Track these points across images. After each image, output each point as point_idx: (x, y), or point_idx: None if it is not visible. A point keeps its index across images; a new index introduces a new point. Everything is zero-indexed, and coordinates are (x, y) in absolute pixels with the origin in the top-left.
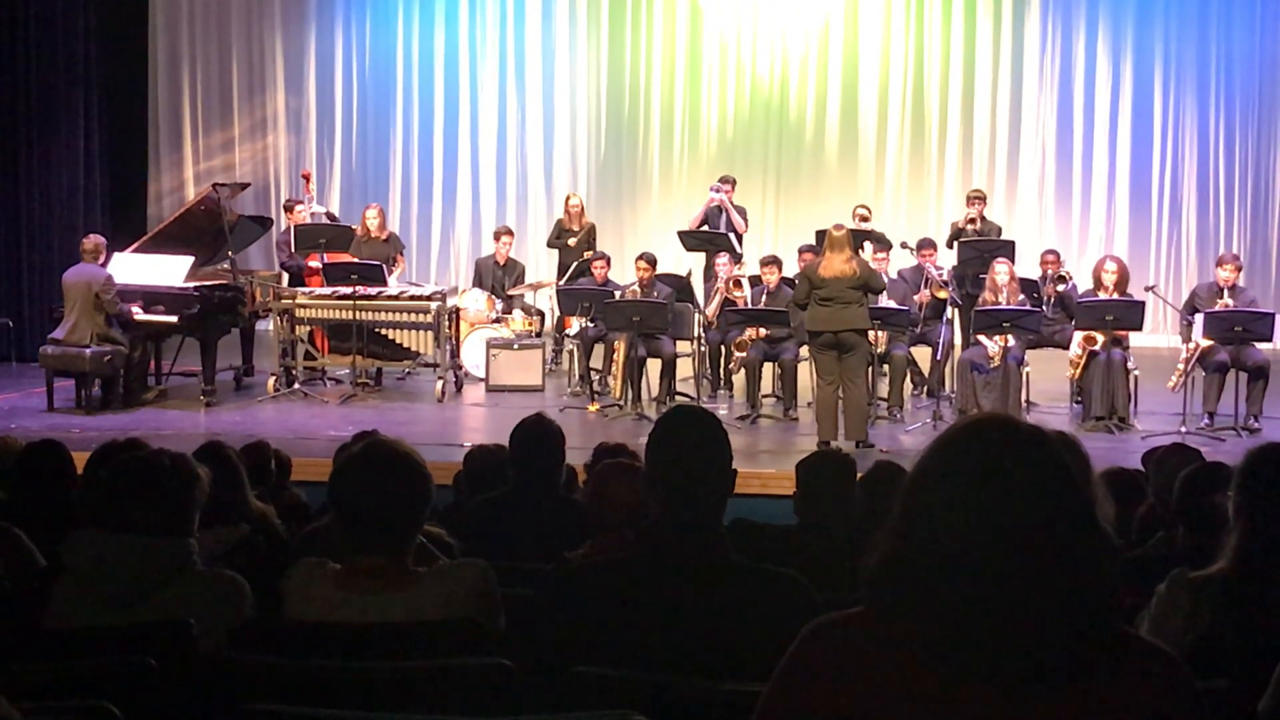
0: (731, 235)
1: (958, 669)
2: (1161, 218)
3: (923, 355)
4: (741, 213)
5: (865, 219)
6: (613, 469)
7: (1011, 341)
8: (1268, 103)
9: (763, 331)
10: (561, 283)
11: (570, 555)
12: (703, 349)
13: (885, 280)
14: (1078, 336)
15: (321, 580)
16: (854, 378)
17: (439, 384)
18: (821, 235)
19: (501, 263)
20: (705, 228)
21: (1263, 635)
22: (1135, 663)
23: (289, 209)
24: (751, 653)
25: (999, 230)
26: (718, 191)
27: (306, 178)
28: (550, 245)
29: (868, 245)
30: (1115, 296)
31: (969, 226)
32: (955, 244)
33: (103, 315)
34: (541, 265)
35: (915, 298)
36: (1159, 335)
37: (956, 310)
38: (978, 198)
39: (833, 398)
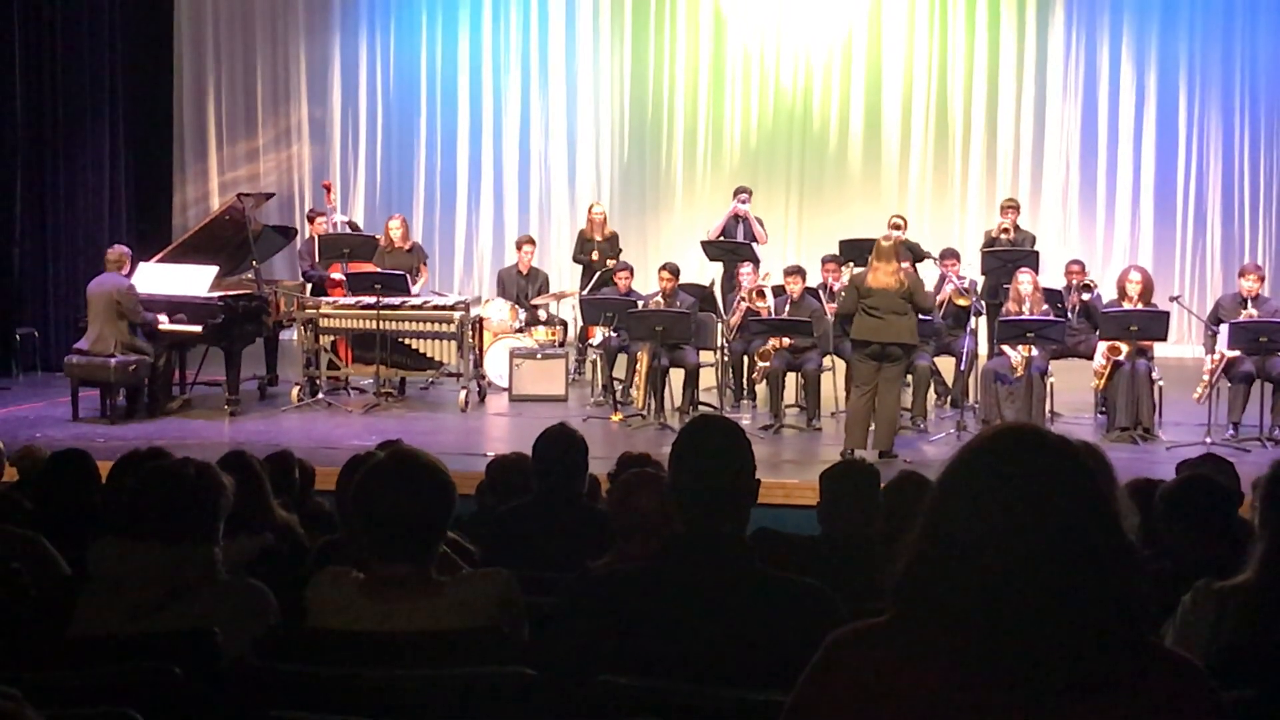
0: (753, 245)
1: (982, 679)
2: (1186, 227)
3: (946, 365)
4: (759, 224)
5: (896, 227)
6: (637, 479)
7: (1035, 352)
8: None
9: (786, 341)
10: (585, 293)
11: (593, 564)
12: (726, 359)
13: (933, 300)
14: (1102, 347)
15: (345, 589)
16: (889, 388)
17: (462, 394)
18: (845, 245)
19: (524, 272)
20: (723, 238)
21: None
22: (1159, 673)
23: (311, 219)
24: (775, 662)
25: (1033, 239)
26: (744, 203)
27: (327, 188)
28: (576, 260)
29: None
30: (1140, 307)
31: (1002, 235)
32: (981, 254)
33: (126, 324)
34: (565, 275)
35: (937, 299)
36: (1184, 346)
37: (980, 319)
38: (1011, 207)
39: (865, 407)
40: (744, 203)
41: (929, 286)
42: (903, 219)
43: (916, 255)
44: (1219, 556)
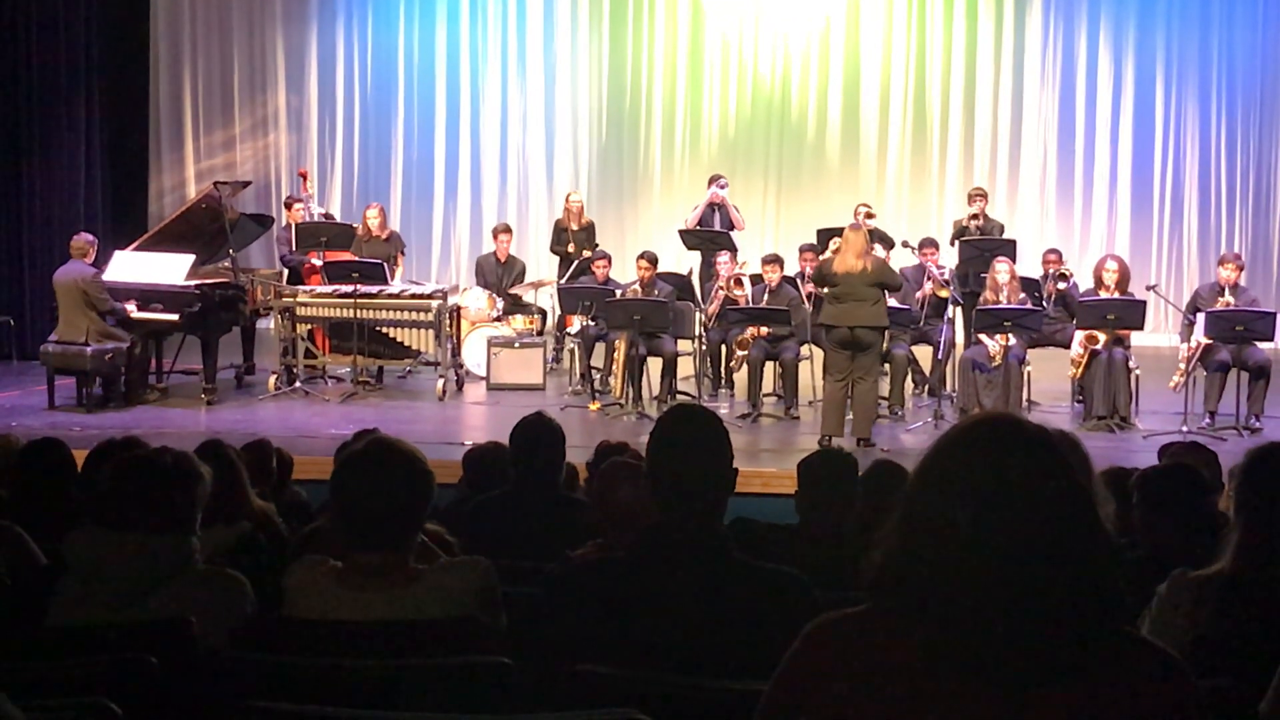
0: (730, 233)
1: (959, 668)
2: (1163, 217)
3: (924, 354)
4: (736, 210)
5: (870, 216)
6: (617, 469)
7: (1013, 340)
8: (1269, 101)
9: (764, 330)
10: (563, 281)
11: (572, 554)
12: (704, 348)
13: (903, 280)
14: (1079, 336)
15: (322, 578)
16: (865, 375)
17: (440, 382)
18: (822, 234)
19: (501, 260)
20: (701, 226)
21: (1263, 635)
22: (1136, 662)
23: (288, 206)
24: (753, 651)
25: (1001, 228)
26: (723, 188)
27: (304, 176)
28: (554, 251)
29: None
30: (1116, 296)
31: (971, 224)
32: (956, 242)
33: (96, 312)
34: (543, 263)
35: (917, 294)
36: (1160, 334)
37: (958, 309)
38: (979, 195)
39: (840, 394)
40: (722, 188)
41: (908, 275)
42: (868, 206)
43: (884, 243)
44: (1193, 546)
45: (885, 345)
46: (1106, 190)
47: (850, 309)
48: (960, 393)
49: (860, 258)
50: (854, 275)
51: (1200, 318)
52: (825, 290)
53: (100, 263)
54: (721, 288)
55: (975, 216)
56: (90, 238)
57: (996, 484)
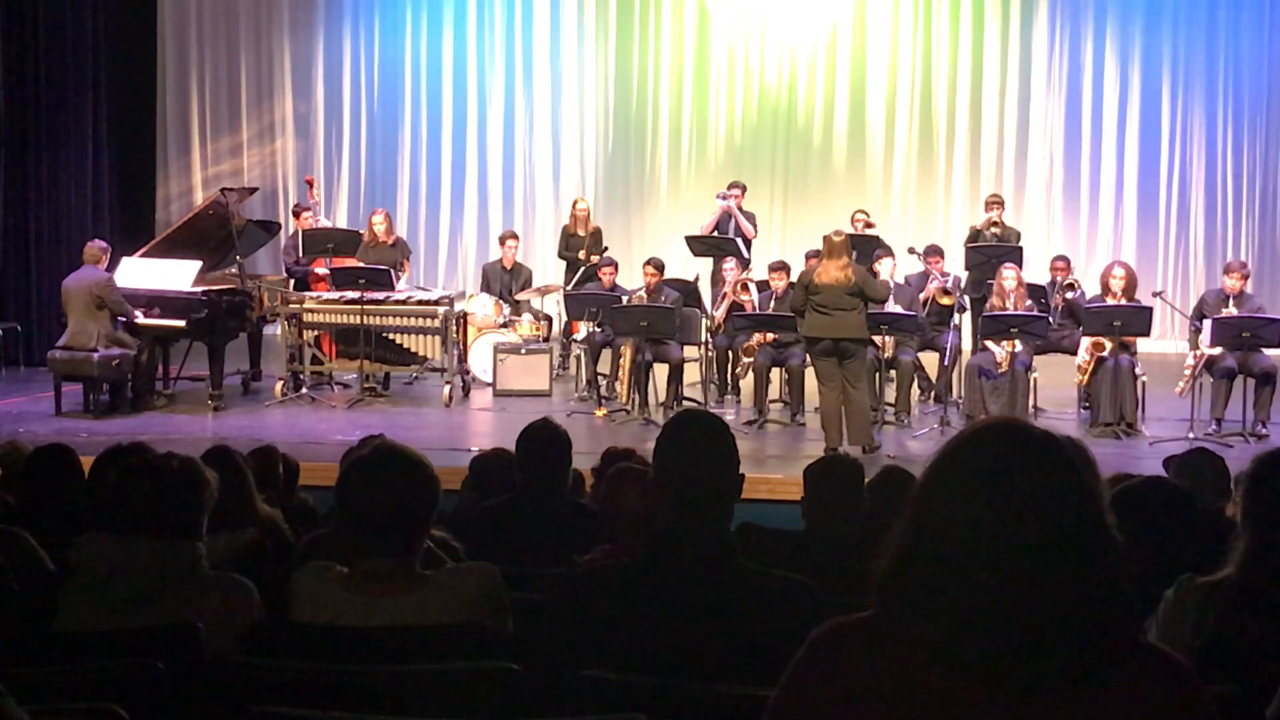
0: (739, 241)
1: (966, 673)
2: (1169, 224)
3: (930, 361)
4: (750, 219)
5: (869, 225)
6: (623, 474)
7: (1019, 347)
8: (1276, 109)
9: (770, 336)
10: (569, 288)
11: (578, 560)
12: (710, 354)
13: (888, 289)
14: (1086, 342)
15: (329, 583)
16: (856, 383)
17: (446, 389)
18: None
19: (508, 267)
20: (716, 234)
21: (1270, 640)
22: (1144, 668)
23: (296, 214)
24: (759, 657)
25: (1018, 235)
26: (724, 199)
27: (310, 183)
28: (561, 256)
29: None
30: (1123, 302)
31: (989, 231)
32: (965, 248)
33: (108, 317)
34: (549, 270)
35: (920, 296)
36: (1166, 341)
37: (964, 315)
38: (996, 202)
39: (836, 404)
40: (724, 198)
41: (912, 282)
42: (867, 213)
43: (884, 251)
44: (1177, 563)
45: (891, 352)
46: (1113, 197)
47: (834, 320)
48: (967, 399)
49: (842, 269)
50: (838, 286)
51: (1206, 324)
52: (809, 300)
53: (110, 269)
54: (727, 294)
55: (994, 224)
56: (104, 245)
57: (1003, 489)
